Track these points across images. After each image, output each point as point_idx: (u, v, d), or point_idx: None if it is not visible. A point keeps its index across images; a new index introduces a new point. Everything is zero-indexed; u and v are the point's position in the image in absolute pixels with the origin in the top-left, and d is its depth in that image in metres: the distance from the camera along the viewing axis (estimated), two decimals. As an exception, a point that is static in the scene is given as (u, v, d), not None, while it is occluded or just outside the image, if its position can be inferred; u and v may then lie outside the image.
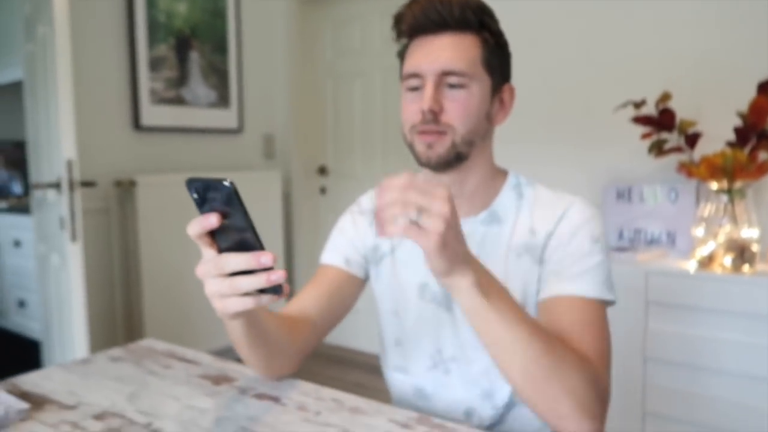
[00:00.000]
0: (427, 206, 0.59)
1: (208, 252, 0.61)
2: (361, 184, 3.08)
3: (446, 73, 0.82)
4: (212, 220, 0.58)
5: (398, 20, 0.87)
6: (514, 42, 2.70)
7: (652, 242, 2.16)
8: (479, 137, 0.86)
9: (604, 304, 0.82)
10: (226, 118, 3.08)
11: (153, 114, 2.74)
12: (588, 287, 0.80)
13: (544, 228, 0.87)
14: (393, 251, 0.97)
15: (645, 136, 2.01)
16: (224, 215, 0.59)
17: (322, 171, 3.35)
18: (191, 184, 0.59)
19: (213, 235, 0.61)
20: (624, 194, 2.22)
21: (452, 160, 0.85)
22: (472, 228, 0.90)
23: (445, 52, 0.83)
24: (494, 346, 0.69)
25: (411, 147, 0.87)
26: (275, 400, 0.82)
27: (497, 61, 0.87)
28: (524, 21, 2.49)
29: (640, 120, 1.99)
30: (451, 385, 0.91)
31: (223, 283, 0.60)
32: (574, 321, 0.78)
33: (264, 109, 3.31)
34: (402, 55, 0.90)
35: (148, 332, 2.55)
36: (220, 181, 0.57)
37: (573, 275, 0.81)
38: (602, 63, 2.32)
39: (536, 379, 0.68)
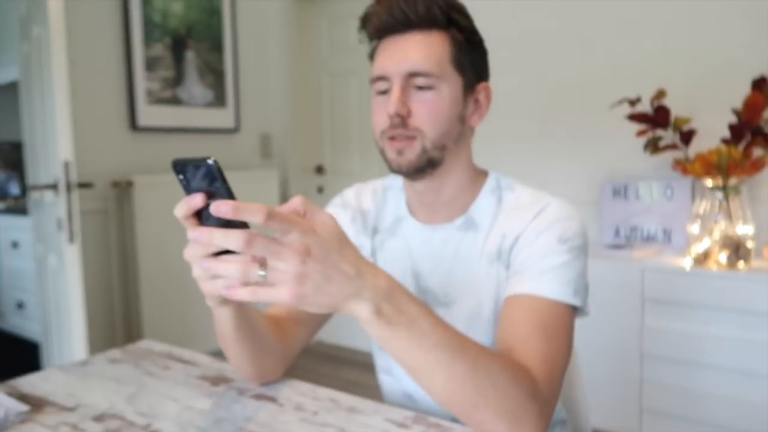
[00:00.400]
0: (273, 263, 0.55)
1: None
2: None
3: (413, 75, 0.80)
4: (197, 200, 0.58)
5: (364, 22, 0.84)
6: (510, 40, 2.71)
7: (649, 239, 2.17)
8: (452, 140, 0.83)
9: (567, 308, 0.77)
10: (222, 117, 3.08)
11: (149, 114, 2.74)
12: (547, 287, 0.76)
13: (515, 231, 0.84)
14: (374, 252, 0.96)
15: (640, 133, 2.02)
16: (210, 195, 0.59)
17: (320, 170, 3.36)
18: (177, 165, 0.59)
19: (200, 217, 0.60)
20: (620, 191, 2.23)
21: (424, 166, 0.82)
22: (448, 235, 0.89)
23: (411, 52, 0.80)
24: (412, 371, 0.64)
25: (382, 153, 0.85)
26: (272, 400, 0.83)
27: (468, 59, 0.84)
28: (521, 19, 2.49)
29: (635, 117, 1.99)
30: None
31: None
32: (526, 323, 0.74)
33: (260, 108, 3.31)
34: (371, 56, 0.87)
35: (147, 333, 2.56)
36: (203, 160, 0.57)
37: (533, 274, 0.78)
38: (598, 60, 2.33)
39: (463, 404, 0.64)
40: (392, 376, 0.96)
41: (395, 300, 0.62)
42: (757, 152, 1.86)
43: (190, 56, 2.90)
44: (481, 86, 0.87)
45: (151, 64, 2.73)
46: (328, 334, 3.30)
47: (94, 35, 2.54)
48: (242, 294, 0.57)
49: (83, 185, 2.15)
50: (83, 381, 0.92)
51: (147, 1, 2.69)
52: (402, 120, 0.80)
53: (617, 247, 2.07)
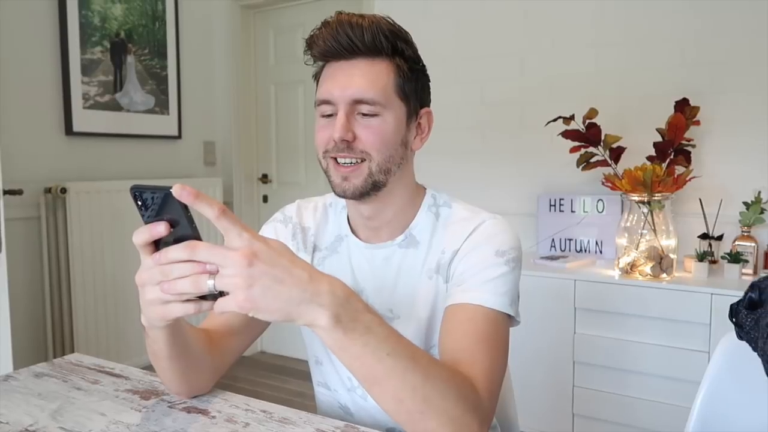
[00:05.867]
0: (220, 269, 0.57)
1: (149, 260, 0.60)
2: (305, 192, 3.08)
3: (357, 102, 0.81)
4: (160, 228, 0.58)
5: (309, 44, 0.85)
6: (452, 57, 2.79)
7: (582, 250, 2.27)
8: (396, 165, 0.85)
9: (504, 317, 0.81)
10: (164, 124, 3.02)
11: (86, 119, 2.65)
12: (487, 297, 0.79)
13: (453, 246, 0.87)
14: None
15: (573, 150, 2.11)
16: (170, 223, 0.59)
17: (265, 179, 3.33)
18: (136, 190, 0.59)
19: (157, 243, 0.61)
20: (556, 204, 2.32)
21: (369, 190, 0.84)
22: (390, 252, 0.91)
23: (357, 79, 0.81)
24: (364, 380, 0.65)
25: (326, 173, 0.86)
26: (204, 413, 0.82)
27: (412, 87, 0.86)
28: (462, 38, 2.56)
29: (568, 134, 2.08)
30: (370, 408, 0.91)
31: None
32: (470, 334, 0.77)
33: (204, 115, 3.26)
34: (317, 77, 0.88)
35: (79, 346, 2.46)
36: (166, 189, 0.57)
37: (473, 285, 0.81)
38: (535, 80, 2.43)
39: (412, 412, 0.65)
40: (329, 389, 0.97)
41: (351, 307, 0.63)
42: (679, 169, 1.97)
43: (130, 61, 2.83)
44: (423, 111, 0.90)
45: (88, 68, 2.65)
46: (271, 345, 3.27)
47: (26, 35, 2.45)
48: (188, 309, 0.60)
49: (11, 192, 2.06)
50: (5, 397, 0.89)
51: (85, 3, 2.61)
52: (347, 144, 0.82)
53: (552, 258, 2.16)
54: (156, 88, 2.96)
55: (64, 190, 2.46)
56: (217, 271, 0.57)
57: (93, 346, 2.51)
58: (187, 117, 3.14)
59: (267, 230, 1.01)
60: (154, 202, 0.59)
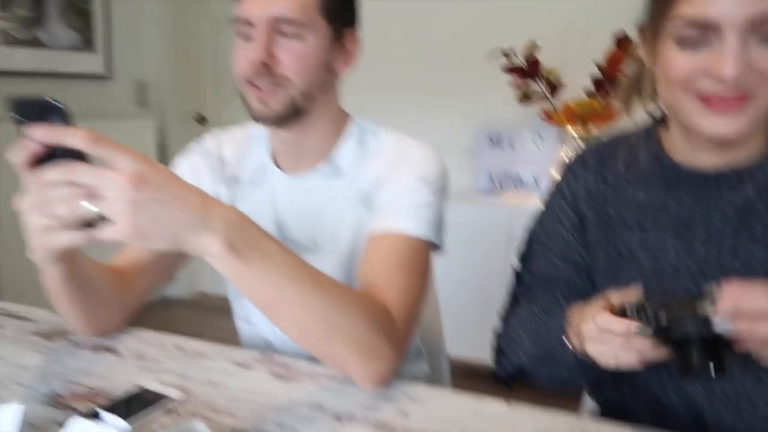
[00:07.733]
0: (102, 193, 0.51)
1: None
2: (244, 134, 2.98)
3: (278, 21, 0.76)
4: (33, 145, 0.52)
5: None
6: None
7: (520, 185, 2.29)
8: (319, 90, 0.81)
9: (426, 244, 0.80)
10: (91, 62, 2.82)
11: (3, 56, 2.45)
12: (409, 224, 0.78)
13: (378, 174, 0.84)
14: (233, 203, 0.91)
15: (516, 86, 2.09)
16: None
17: (201, 120, 3.20)
18: (12, 102, 0.51)
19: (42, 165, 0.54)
20: (494, 139, 2.31)
21: (290, 116, 0.80)
22: (313, 182, 0.88)
23: None
24: (266, 308, 0.63)
25: (243, 99, 0.81)
26: (112, 350, 0.79)
27: (337, 6, 0.81)
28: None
29: (512, 71, 2.05)
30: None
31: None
32: (388, 261, 0.76)
33: (136, 53, 3.06)
34: None
35: (4, 293, 2.36)
36: (48, 101, 0.51)
37: (396, 211, 0.79)
38: (474, 12, 2.37)
39: (317, 338, 0.64)
40: (249, 323, 0.95)
41: (247, 233, 0.59)
42: (617, 104, 1.98)
43: (48, -8, 2.61)
44: (349, 33, 0.85)
45: (5, 2, 2.43)
46: (212, 286, 3.20)
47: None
48: (76, 238, 0.54)
49: None
50: None
51: (-10, -75, 2.37)
52: (267, 68, 0.77)
53: (489, 192, 2.17)
54: (81, 23, 2.75)
55: (-21, 133, 2.30)
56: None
57: (18, 293, 2.41)
58: (117, 55, 2.94)
59: (182, 164, 0.96)
60: (34, 117, 0.52)
